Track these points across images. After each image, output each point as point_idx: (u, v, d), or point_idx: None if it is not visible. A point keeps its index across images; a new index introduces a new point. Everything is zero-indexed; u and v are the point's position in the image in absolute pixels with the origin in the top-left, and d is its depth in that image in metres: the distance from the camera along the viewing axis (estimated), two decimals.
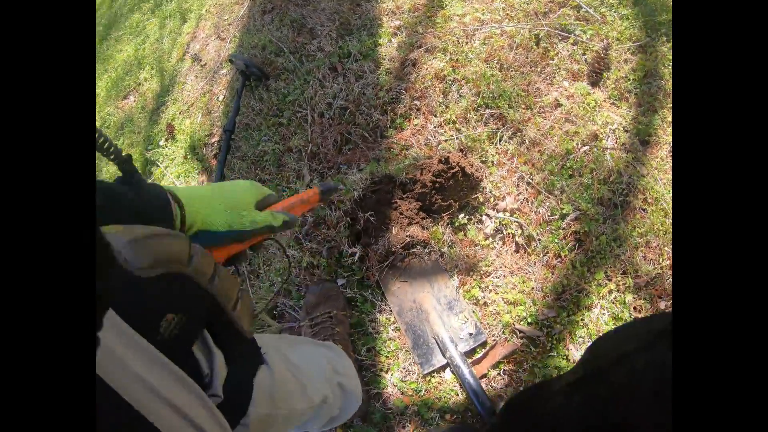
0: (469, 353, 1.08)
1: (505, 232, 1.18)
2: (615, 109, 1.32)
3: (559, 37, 1.44)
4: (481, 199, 1.21)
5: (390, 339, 1.12)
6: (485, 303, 1.12)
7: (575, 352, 1.07)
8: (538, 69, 1.40)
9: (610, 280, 1.12)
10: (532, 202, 1.20)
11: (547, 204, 1.18)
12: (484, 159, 1.26)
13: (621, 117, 1.30)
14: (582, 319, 1.09)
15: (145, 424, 0.29)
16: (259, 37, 1.73)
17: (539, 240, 1.15)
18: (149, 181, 0.63)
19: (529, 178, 1.22)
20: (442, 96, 1.42)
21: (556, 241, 1.14)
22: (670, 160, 1.24)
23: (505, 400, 0.99)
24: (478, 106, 1.36)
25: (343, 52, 1.58)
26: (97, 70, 2.35)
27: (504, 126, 1.31)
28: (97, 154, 0.38)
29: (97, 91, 2.26)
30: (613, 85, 1.34)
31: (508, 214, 1.18)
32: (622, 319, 1.09)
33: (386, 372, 1.09)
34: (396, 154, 1.35)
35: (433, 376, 1.08)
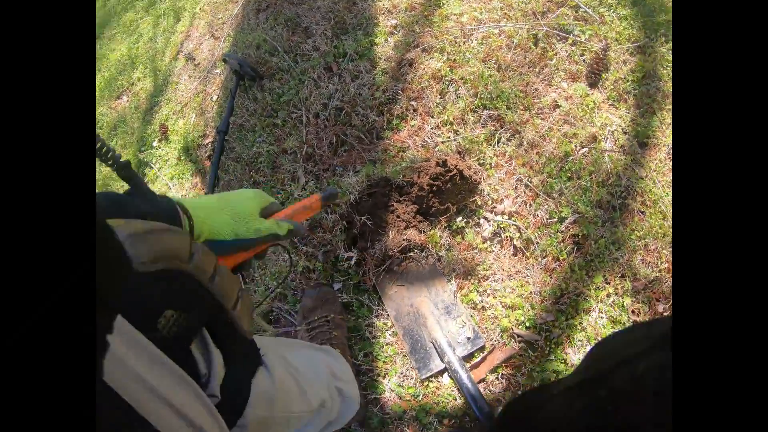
0: (467, 358, 1.10)
1: (503, 236, 1.21)
2: (614, 111, 1.34)
3: (558, 38, 1.47)
4: (479, 202, 1.24)
5: (387, 344, 1.15)
6: (483, 307, 1.14)
7: (573, 356, 1.10)
8: (537, 69, 1.42)
9: (608, 283, 1.15)
10: (530, 205, 1.22)
11: (546, 207, 1.21)
12: (481, 161, 1.29)
13: (620, 118, 1.32)
14: (580, 323, 1.12)
15: (144, 425, 0.30)
16: (253, 36, 1.75)
17: (537, 243, 1.18)
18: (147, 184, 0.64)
19: (528, 180, 1.25)
20: (439, 97, 1.44)
21: (554, 244, 1.17)
22: (668, 162, 1.27)
23: (504, 404, 1.01)
24: (475, 107, 1.38)
25: (338, 51, 1.60)
26: None
27: (502, 128, 1.33)
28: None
29: None
30: (612, 87, 1.37)
31: (506, 217, 1.21)
32: (621, 323, 1.12)
33: (384, 377, 1.12)
34: (392, 156, 1.37)
35: (431, 381, 1.10)
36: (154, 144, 1.78)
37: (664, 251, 1.17)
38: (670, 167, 1.26)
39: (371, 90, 1.49)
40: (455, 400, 1.08)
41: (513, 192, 1.24)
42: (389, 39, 1.59)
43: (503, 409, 0.96)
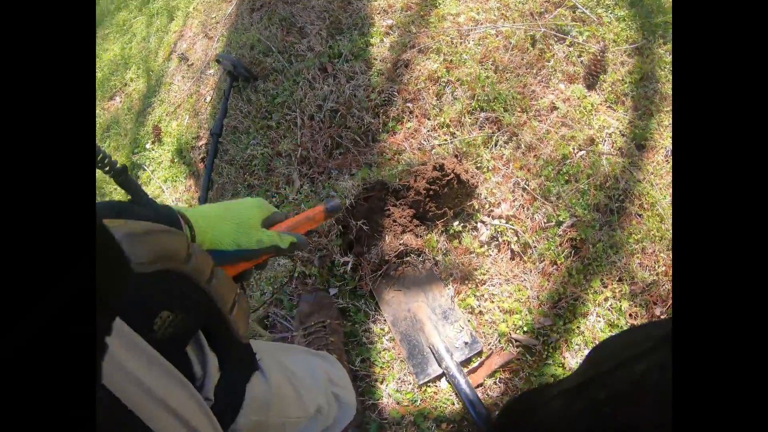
0: (465, 362, 1.13)
1: (500, 240, 1.23)
2: (611, 113, 1.37)
3: (555, 39, 1.50)
4: (476, 206, 1.26)
5: (385, 349, 1.17)
6: (481, 312, 1.17)
7: (571, 359, 1.13)
8: (534, 71, 1.45)
9: (606, 287, 1.18)
10: (528, 209, 1.25)
11: (543, 210, 1.24)
12: (479, 164, 1.31)
13: (617, 121, 1.35)
14: (578, 327, 1.15)
15: (140, 426, 0.31)
16: (247, 35, 1.76)
17: (535, 247, 1.21)
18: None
19: (525, 183, 1.27)
20: (435, 98, 1.46)
21: (552, 248, 1.20)
22: (666, 164, 1.30)
23: (502, 406, 1.04)
24: (472, 109, 1.40)
25: (333, 52, 1.62)
26: None
27: (499, 130, 1.36)
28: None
29: None
30: (610, 88, 1.40)
31: (503, 221, 1.24)
32: (618, 327, 1.15)
33: (381, 382, 1.14)
34: (388, 158, 1.39)
35: (429, 386, 1.13)
36: (147, 146, 1.79)
37: (662, 254, 1.20)
38: (668, 170, 1.29)
39: (367, 91, 1.52)
40: (453, 404, 1.11)
41: (510, 195, 1.27)
42: (385, 39, 1.62)
43: (501, 411, 0.99)
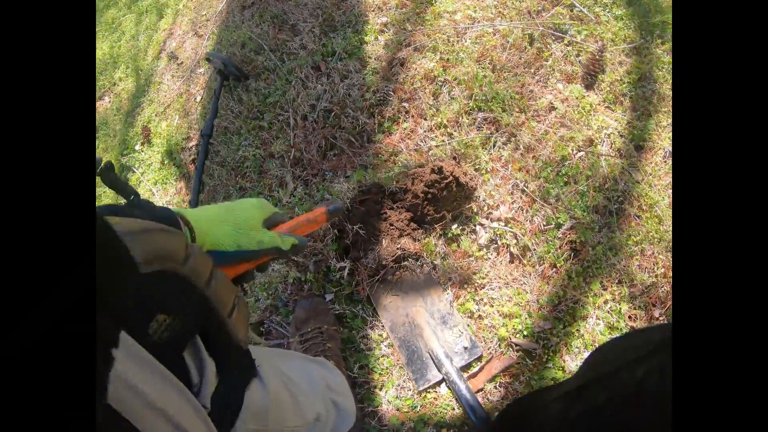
0: (465, 368, 1.14)
1: (499, 243, 1.25)
2: (610, 113, 1.40)
3: (553, 37, 1.51)
4: (475, 209, 1.28)
5: (383, 356, 1.18)
6: (480, 316, 1.19)
7: (571, 362, 1.15)
8: (532, 70, 1.47)
9: (605, 289, 1.20)
10: (527, 211, 1.27)
11: (543, 213, 1.26)
12: (477, 166, 1.32)
13: (616, 121, 1.38)
14: (578, 330, 1.17)
15: None
16: (238, 33, 1.76)
17: (534, 250, 1.22)
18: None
19: (524, 185, 1.29)
20: (432, 98, 1.47)
21: (551, 251, 1.22)
22: (664, 165, 1.32)
23: (501, 410, 1.06)
24: (470, 109, 1.42)
25: (326, 50, 1.62)
26: None
27: (498, 131, 1.38)
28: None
29: None
30: (608, 88, 1.42)
31: (502, 223, 1.25)
32: (618, 329, 1.17)
33: (380, 389, 1.15)
34: (384, 160, 1.40)
35: (429, 392, 1.14)
36: (137, 147, 1.78)
37: (660, 256, 1.23)
38: (666, 171, 1.32)
39: (361, 91, 1.52)
40: (453, 410, 1.12)
41: (509, 198, 1.29)
42: (380, 37, 1.62)
43: (500, 414, 1.00)
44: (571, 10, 1.55)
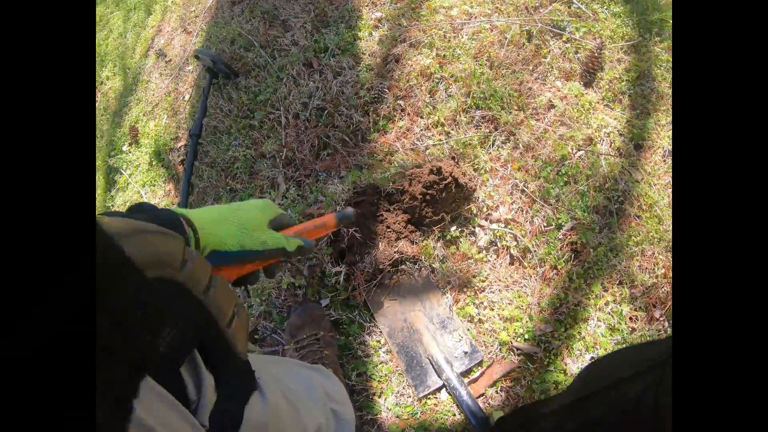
0: (465, 373, 1.15)
1: (499, 245, 1.26)
2: (609, 112, 1.41)
3: (551, 34, 1.52)
4: (474, 210, 1.28)
5: (382, 362, 1.18)
6: (480, 320, 1.19)
7: (573, 365, 1.16)
8: (530, 67, 1.47)
9: (606, 291, 1.21)
10: (526, 212, 1.27)
11: (543, 213, 1.26)
12: (476, 166, 1.33)
13: (615, 120, 1.39)
14: (579, 333, 1.18)
15: None
16: (227, 30, 1.74)
17: (535, 252, 1.23)
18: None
19: (524, 186, 1.30)
20: (428, 95, 1.47)
21: (552, 252, 1.23)
22: (663, 164, 1.34)
23: (493, 424, 1.07)
24: (468, 107, 1.42)
25: (319, 46, 1.61)
26: None
27: (496, 129, 1.38)
28: None
29: None
30: (607, 86, 1.43)
31: (502, 225, 1.26)
32: (619, 331, 1.19)
33: (379, 396, 1.15)
34: (380, 160, 1.40)
35: (429, 398, 1.15)
36: (124, 148, 1.77)
37: (660, 256, 1.24)
38: (665, 170, 1.34)
39: (355, 88, 1.51)
40: (454, 415, 1.13)
41: (509, 198, 1.29)
42: (374, 33, 1.61)
43: (495, 425, 1.01)
44: (569, 7, 1.56)
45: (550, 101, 1.40)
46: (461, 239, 1.27)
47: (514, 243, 1.25)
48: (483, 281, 1.22)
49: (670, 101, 1.41)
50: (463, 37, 1.53)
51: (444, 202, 1.22)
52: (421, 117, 1.44)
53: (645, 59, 1.45)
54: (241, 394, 0.50)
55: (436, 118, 1.42)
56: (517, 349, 1.16)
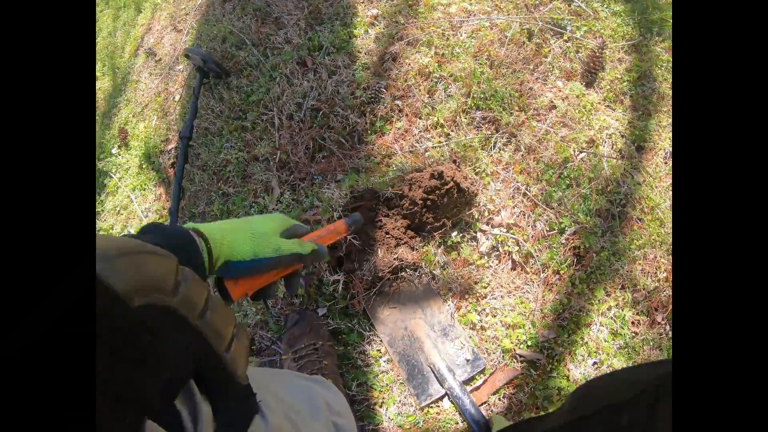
0: (468, 381, 1.15)
1: (501, 250, 1.25)
2: (610, 113, 1.41)
3: (552, 33, 1.51)
4: (476, 215, 1.27)
5: (382, 372, 1.17)
6: (483, 327, 1.19)
7: (575, 371, 1.16)
8: (531, 67, 1.46)
9: (609, 295, 1.22)
10: (529, 216, 1.27)
11: (545, 217, 1.26)
12: (477, 169, 1.32)
13: (617, 121, 1.39)
14: (581, 338, 1.18)
15: None
16: (218, 27, 1.70)
17: (537, 257, 1.23)
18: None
19: (526, 189, 1.29)
20: (427, 95, 1.45)
21: (554, 257, 1.22)
22: (665, 166, 1.34)
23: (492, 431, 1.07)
24: (468, 108, 1.41)
25: (313, 44, 1.58)
26: None
27: (498, 131, 1.37)
28: None
29: None
30: (609, 86, 1.43)
31: (504, 230, 1.25)
32: (622, 335, 1.19)
33: (380, 406, 1.15)
34: (377, 162, 1.38)
35: (431, 407, 1.14)
36: (114, 151, 1.74)
37: (662, 260, 1.25)
38: (666, 172, 1.34)
39: (351, 88, 1.49)
40: (457, 424, 1.12)
41: (510, 202, 1.29)
42: (370, 30, 1.59)
43: None
44: (569, 5, 1.55)
45: (552, 102, 1.40)
46: (462, 245, 1.26)
47: (516, 248, 1.24)
48: (485, 287, 1.22)
49: (670, 102, 1.42)
50: (462, 35, 1.51)
51: (445, 208, 1.21)
52: (420, 118, 1.43)
53: (646, 59, 1.45)
54: (240, 421, 0.48)
55: (436, 119, 1.40)
56: (521, 356, 1.16)
